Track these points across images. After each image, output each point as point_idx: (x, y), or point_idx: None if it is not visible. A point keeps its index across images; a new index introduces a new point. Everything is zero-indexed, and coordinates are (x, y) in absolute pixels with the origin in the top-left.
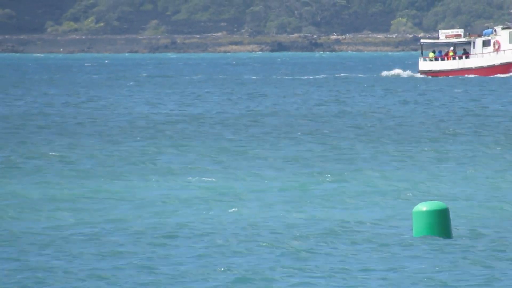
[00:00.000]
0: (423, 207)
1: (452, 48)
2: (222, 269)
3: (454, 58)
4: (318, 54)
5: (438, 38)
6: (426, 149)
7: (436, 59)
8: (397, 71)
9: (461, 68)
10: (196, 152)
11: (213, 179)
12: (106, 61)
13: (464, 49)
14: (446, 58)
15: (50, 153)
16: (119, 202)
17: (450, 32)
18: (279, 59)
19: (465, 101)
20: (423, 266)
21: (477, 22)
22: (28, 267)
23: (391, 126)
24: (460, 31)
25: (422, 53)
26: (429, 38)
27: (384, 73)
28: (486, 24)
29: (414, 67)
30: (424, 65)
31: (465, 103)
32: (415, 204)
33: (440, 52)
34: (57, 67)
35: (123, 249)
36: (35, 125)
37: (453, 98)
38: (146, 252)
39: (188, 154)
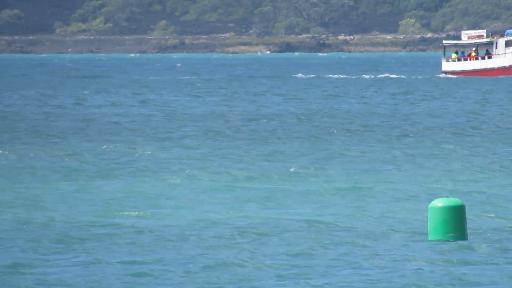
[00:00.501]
0: (439, 203)
1: (474, 49)
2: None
3: (476, 59)
4: (320, 54)
5: (460, 39)
6: (442, 146)
7: (459, 60)
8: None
9: (484, 69)
10: (182, 152)
11: (204, 179)
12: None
13: (487, 50)
14: (468, 58)
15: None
16: (105, 201)
17: (472, 33)
18: (282, 60)
19: (477, 100)
20: (438, 262)
21: (485, 23)
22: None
23: (405, 125)
24: (483, 32)
25: (444, 54)
26: (443, 38)
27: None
28: (493, 25)
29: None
30: (447, 66)
31: (477, 102)
32: (431, 200)
33: (463, 53)
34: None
35: (109, 248)
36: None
37: (465, 98)
38: (133, 252)
39: (174, 153)
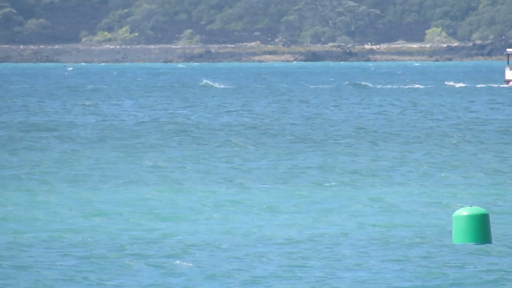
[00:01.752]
0: (463, 212)
1: None
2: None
3: None
4: (332, 63)
5: None
6: (467, 155)
7: None
8: None
9: None
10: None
11: (203, 188)
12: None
13: None
14: None
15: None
16: (92, 212)
17: None
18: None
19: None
20: (462, 271)
21: (511, 32)
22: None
23: (431, 133)
24: None
25: (508, 62)
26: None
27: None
28: None
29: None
30: (510, 74)
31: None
32: (455, 210)
33: None
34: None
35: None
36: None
37: (491, 107)
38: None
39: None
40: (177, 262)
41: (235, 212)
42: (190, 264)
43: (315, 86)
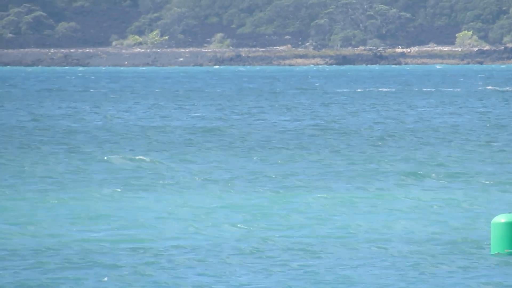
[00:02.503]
0: (502, 218)
1: None
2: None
3: None
4: (364, 67)
5: None
6: (505, 160)
7: None
8: None
9: None
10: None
11: (192, 194)
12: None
13: None
14: None
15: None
16: (78, 218)
17: None
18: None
19: None
20: (501, 280)
21: None
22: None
23: (470, 137)
24: None
25: None
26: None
27: None
28: None
29: None
30: None
31: None
32: (493, 216)
33: None
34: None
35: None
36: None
37: None
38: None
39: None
40: (167, 265)
41: (228, 215)
42: (184, 266)
43: (297, 90)
